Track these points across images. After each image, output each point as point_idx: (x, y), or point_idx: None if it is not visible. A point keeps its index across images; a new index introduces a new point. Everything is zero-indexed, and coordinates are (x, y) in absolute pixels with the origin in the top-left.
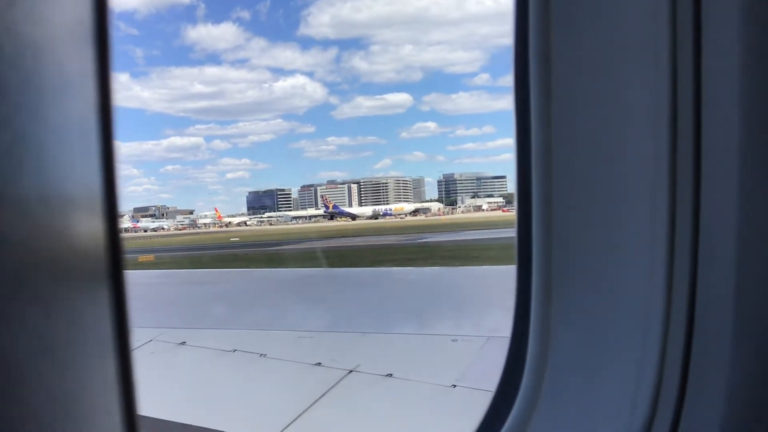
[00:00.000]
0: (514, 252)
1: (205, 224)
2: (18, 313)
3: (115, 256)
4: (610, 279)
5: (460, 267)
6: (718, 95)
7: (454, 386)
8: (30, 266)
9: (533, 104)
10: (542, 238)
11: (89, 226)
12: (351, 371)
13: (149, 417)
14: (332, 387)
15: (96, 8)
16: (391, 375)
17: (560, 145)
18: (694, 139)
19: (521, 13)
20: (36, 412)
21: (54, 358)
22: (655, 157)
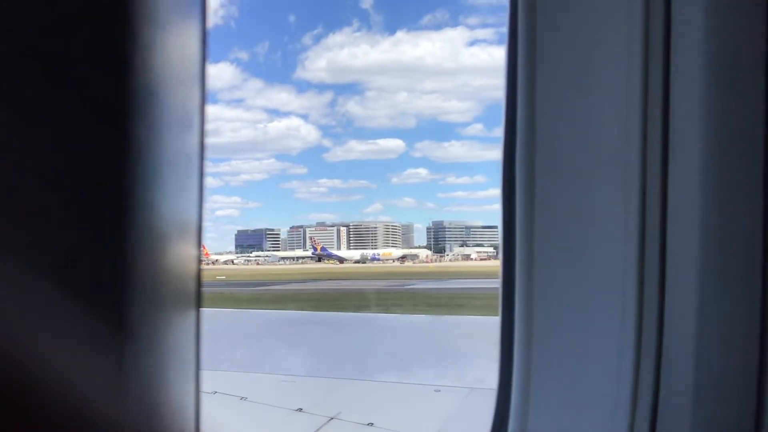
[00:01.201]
0: (498, 299)
1: None
2: (117, 330)
3: (199, 282)
4: (587, 326)
5: (445, 315)
6: (684, 140)
7: None
8: (132, 289)
9: (518, 159)
10: (524, 283)
11: (184, 256)
12: (332, 418)
13: None
14: None
15: (201, 47)
16: (372, 424)
17: (542, 197)
18: (661, 198)
19: (511, 63)
20: (123, 422)
21: (143, 386)
22: (626, 216)
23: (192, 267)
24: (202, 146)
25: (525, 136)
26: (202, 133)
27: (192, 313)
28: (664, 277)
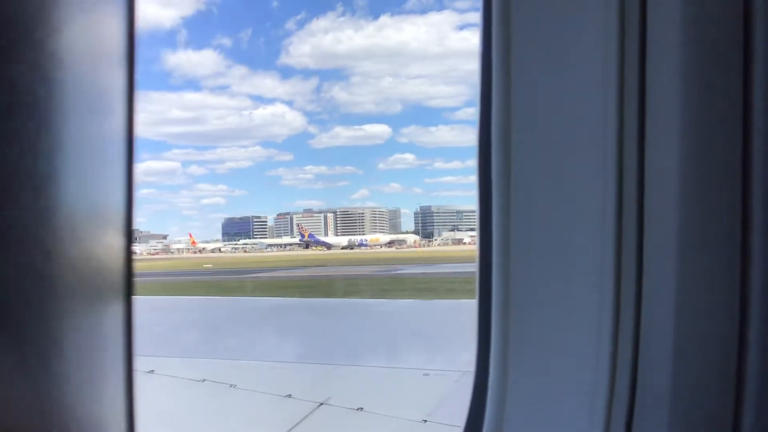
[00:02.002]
0: (476, 285)
1: (178, 249)
2: (37, 321)
3: (128, 272)
4: (563, 308)
5: (434, 300)
6: (660, 140)
7: (425, 421)
8: (52, 277)
9: (494, 147)
10: (501, 268)
11: (109, 242)
12: (321, 404)
13: None
14: (302, 420)
15: (126, 30)
16: (361, 409)
17: (518, 183)
18: (638, 183)
19: (486, 41)
20: (44, 417)
21: (66, 366)
22: (604, 197)
23: (117, 256)
24: (129, 131)
25: (500, 117)
26: (129, 118)
27: (118, 304)
28: (642, 262)
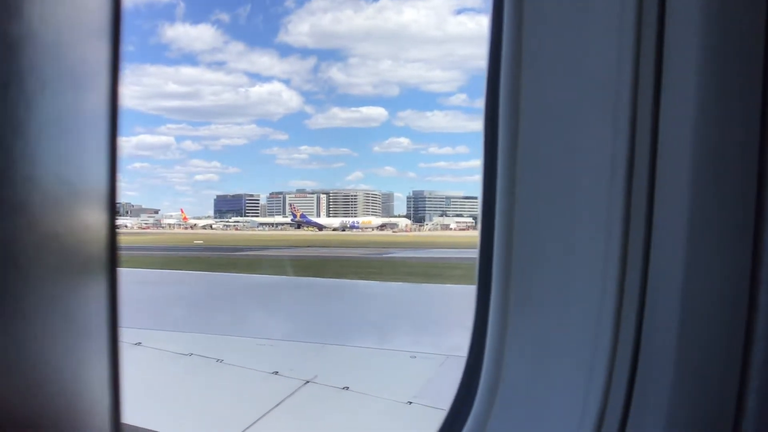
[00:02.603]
0: (476, 262)
1: (169, 224)
2: (16, 303)
3: (112, 250)
4: (565, 293)
5: (423, 284)
6: (674, 131)
7: (410, 403)
8: (31, 257)
9: (501, 128)
10: (503, 251)
11: (92, 220)
12: (308, 382)
13: None
14: (288, 397)
15: (111, 3)
16: (347, 388)
17: (525, 163)
18: (649, 171)
19: (495, 32)
20: (27, 400)
21: (48, 349)
22: (611, 190)
23: (100, 230)
24: (113, 104)
25: (508, 107)
26: (113, 90)
27: (102, 278)
28: (648, 257)
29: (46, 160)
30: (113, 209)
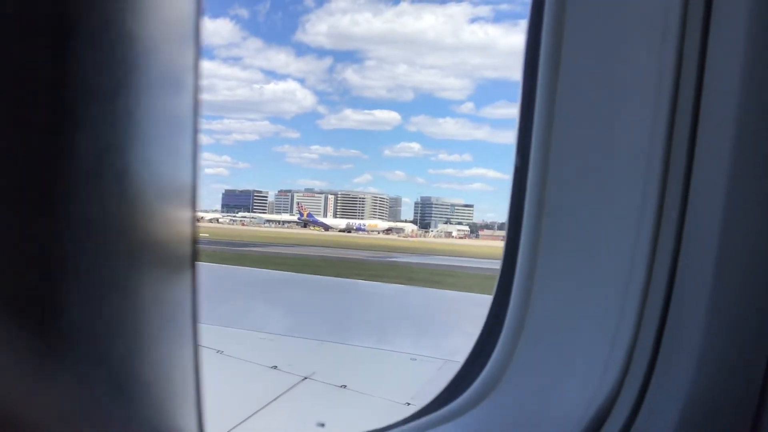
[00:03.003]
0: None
1: None
2: (110, 295)
3: (193, 247)
4: (595, 252)
5: (426, 288)
6: (714, 115)
7: (408, 404)
8: (126, 253)
9: (537, 104)
10: (535, 203)
11: (177, 218)
12: (306, 378)
13: None
14: (285, 392)
15: (194, 5)
16: (345, 386)
17: (560, 128)
18: (688, 150)
19: (534, 23)
20: (113, 391)
21: (134, 342)
22: (649, 159)
23: (187, 228)
24: (195, 106)
25: (543, 111)
26: (195, 93)
27: (188, 274)
28: (675, 269)
29: (144, 160)
30: (195, 206)
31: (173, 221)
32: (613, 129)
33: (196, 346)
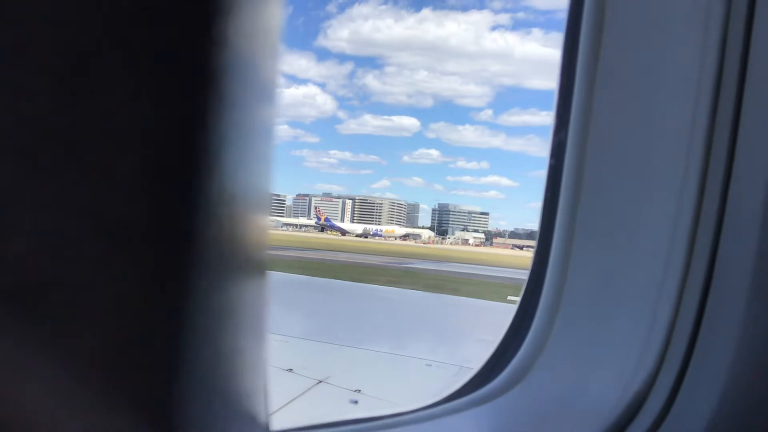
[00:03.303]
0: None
1: None
2: (198, 298)
3: (267, 252)
4: (633, 236)
5: (441, 294)
6: (760, 105)
7: None
8: (214, 259)
9: (569, 144)
10: (570, 192)
11: (257, 224)
12: (320, 381)
13: None
14: (300, 395)
15: (277, 21)
16: (359, 390)
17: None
18: (730, 141)
19: (573, 20)
20: (199, 391)
21: (215, 344)
22: (689, 148)
23: (264, 234)
24: (275, 116)
25: (579, 115)
26: (277, 103)
27: (263, 280)
28: (711, 277)
29: (232, 168)
30: (269, 213)
31: (252, 228)
32: (653, 119)
33: (266, 353)
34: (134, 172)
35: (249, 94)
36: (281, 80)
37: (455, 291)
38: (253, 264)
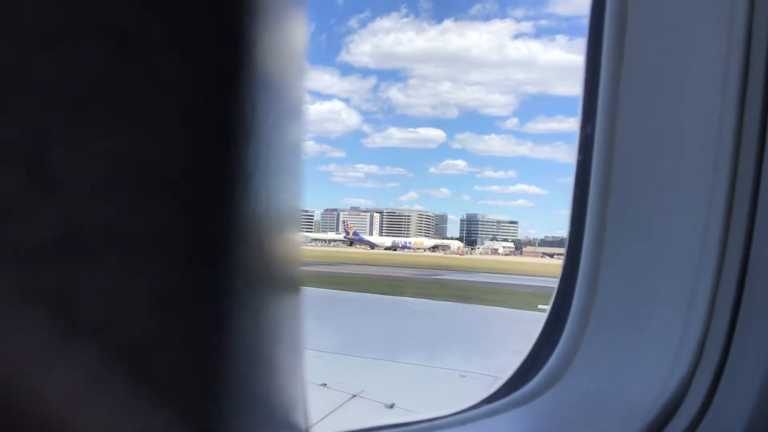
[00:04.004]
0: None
1: None
2: (236, 314)
3: (299, 268)
4: (665, 233)
5: (473, 305)
6: None
7: None
8: (249, 274)
9: (596, 146)
10: (599, 190)
11: (288, 241)
12: (355, 396)
13: None
14: (335, 410)
15: (303, 40)
16: (393, 405)
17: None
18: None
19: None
20: (236, 402)
21: (253, 357)
22: (718, 146)
23: (296, 252)
24: (305, 134)
25: (605, 118)
26: (305, 122)
27: (298, 295)
28: (744, 281)
29: (264, 185)
30: (299, 229)
31: (284, 244)
32: (681, 117)
33: (304, 368)
34: (170, 185)
35: (278, 113)
36: (307, 97)
37: (484, 301)
38: (287, 280)
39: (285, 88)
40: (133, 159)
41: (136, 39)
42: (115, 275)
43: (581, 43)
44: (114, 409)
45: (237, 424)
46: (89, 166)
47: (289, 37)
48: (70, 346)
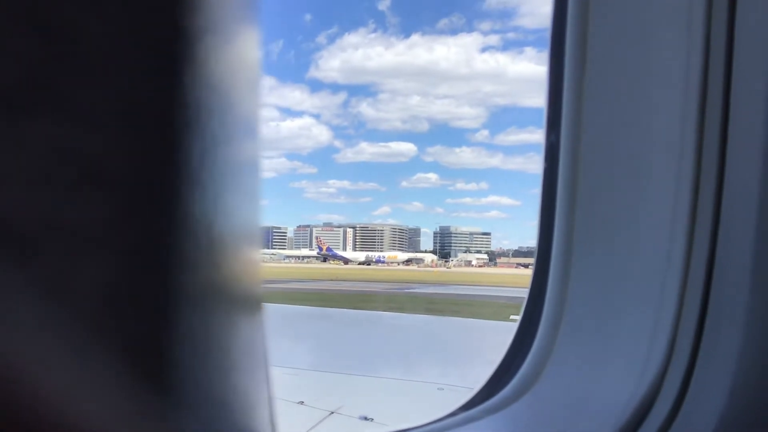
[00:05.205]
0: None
1: None
2: (192, 327)
3: (261, 286)
4: (631, 237)
5: (449, 317)
6: (746, 105)
7: None
8: (206, 288)
9: (565, 103)
10: (566, 197)
11: (248, 261)
12: (332, 413)
13: None
14: (312, 428)
15: (256, 54)
16: (371, 419)
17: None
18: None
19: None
20: (198, 408)
21: (202, 363)
22: (682, 149)
23: (256, 270)
24: (260, 150)
25: (570, 118)
26: (260, 137)
27: (259, 316)
28: (710, 280)
29: (218, 208)
30: (260, 246)
31: (244, 264)
32: (643, 120)
33: (269, 390)
34: (116, 187)
35: (227, 118)
36: (265, 111)
37: (456, 313)
38: (245, 298)
39: (235, 94)
40: (71, 152)
41: (73, 33)
42: (51, 270)
43: None
44: (50, 408)
45: (182, 429)
46: (25, 159)
47: (239, 45)
48: (3, 343)
